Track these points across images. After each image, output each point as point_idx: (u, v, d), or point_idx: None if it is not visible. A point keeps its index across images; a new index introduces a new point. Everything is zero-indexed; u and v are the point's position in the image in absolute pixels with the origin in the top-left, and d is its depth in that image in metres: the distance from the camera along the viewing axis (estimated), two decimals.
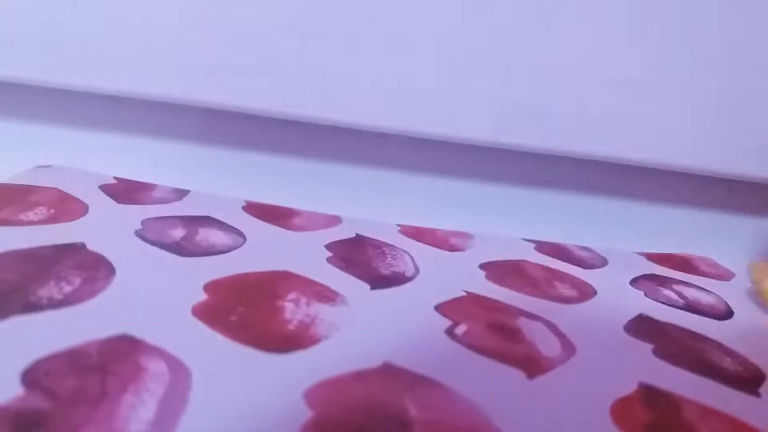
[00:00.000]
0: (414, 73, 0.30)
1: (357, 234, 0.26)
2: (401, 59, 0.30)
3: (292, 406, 0.14)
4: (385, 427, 0.14)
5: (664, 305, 0.24)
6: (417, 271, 0.23)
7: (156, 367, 0.14)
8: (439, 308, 0.20)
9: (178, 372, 0.14)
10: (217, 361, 0.15)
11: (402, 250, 0.25)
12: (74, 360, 0.14)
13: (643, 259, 0.30)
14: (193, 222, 0.24)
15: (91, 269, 0.18)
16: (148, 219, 0.23)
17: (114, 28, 0.28)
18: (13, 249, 0.18)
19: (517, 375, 0.17)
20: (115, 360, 0.14)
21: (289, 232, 0.25)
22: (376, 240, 0.25)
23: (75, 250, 0.19)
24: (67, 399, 0.13)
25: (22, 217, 0.21)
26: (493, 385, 0.16)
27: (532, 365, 0.17)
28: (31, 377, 0.13)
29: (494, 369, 0.17)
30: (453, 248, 0.27)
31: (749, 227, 0.36)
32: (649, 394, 0.17)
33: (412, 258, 0.24)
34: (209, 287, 0.18)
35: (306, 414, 0.14)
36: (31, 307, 0.16)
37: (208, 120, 0.33)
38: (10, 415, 0.12)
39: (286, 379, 0.15)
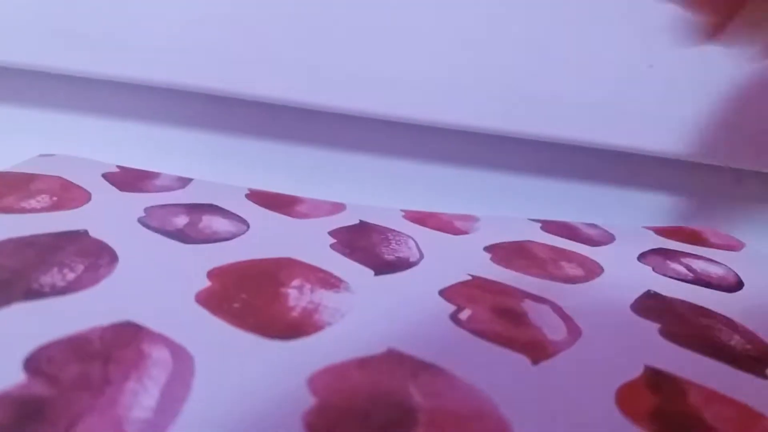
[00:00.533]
0: (417, 60, 0.30)
1: (361, 220, 0.26)
2: (404, 46, 0.30)
3: (296, 392, 0.14)
4: (390, 413, 0.14)
5: (673, 279, 0.24)
6: (421, 255, 0.23)
7: (159, 354, 0.14)
8: (444, 293, 0.20)
9: (181, 359, 0.14)
10: (221, 347, 0.15)
11: (406, 235, 0.25)
12: (76, 347, 0.14)
13: (651, 234, 0.30)
14: (197, 209, 0.23)
15: (93, 256, 0.18)
16: (151, 207, 0.23)
17: (117, 13, 0.28)
18: (15, 236, 0.18)
19: (521, 360, 0.17)
20: (118, 347, 0.14)
21: (292, 220, 0.25)
22: (379, 226, 0.25)
23: (77, 237, 0.19)
24: (70, 385, 0.13)
25: (24, 204, 0.21)
26: (497, 371, 0.16)
27: (537, 350, 0.17)
28: (33, 364, 0.13)
29: (499, 355, 0.17)
30: (458, 231, 0.26)
31: (758, 218, 0.36)
32: (655, 378, 0.17)
33: (416, 243, 0.24)
34: (213, 274, 0.18)
35: (309, 400, 0.14)
36: (34, 294, 0.16)
37: (213, 107, 0.32)
38: (13, 401, 0.12)
39: (290, 365, 0.15)
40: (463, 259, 0.23)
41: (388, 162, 0.34)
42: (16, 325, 0.14)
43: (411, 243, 0.24)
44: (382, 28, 0.29)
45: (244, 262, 0.19)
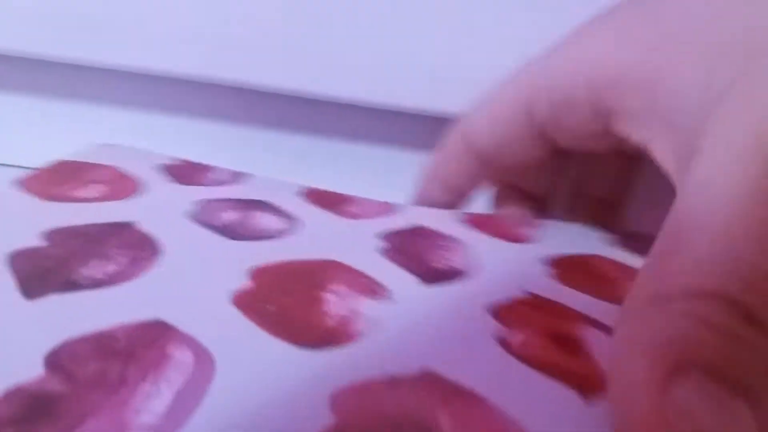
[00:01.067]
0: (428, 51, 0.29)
1: (413, 224, 0.25)
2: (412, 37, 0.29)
3: (315, 408, 0.13)
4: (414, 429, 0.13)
5: None
6: (474, 266, 0.21)
7: (181, 356, 0.14)
8: (494, 311, 0.18)
9: (203, 363, 0.14)
10: (247, 353, 0.15)
11: (460, 241, 0.23)
12: (101, 344, 0.14)
13: None
14: (247, 206, 0.23)
15: (136, 248, 0.18)
16: (202, 200, 0.23)
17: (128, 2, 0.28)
18: (65, 225, 0.18)
19: (571, 396, 0.15)
20: (142, 346, 0.14)
21: (342, 219, 0.24)
22: (432, 230, 0.24)
23: (124, 228, 0.19)
24: (85, 383, 0.13)
25: (77, 194, 0.21)
26: (541, 404, 0.15)
27: (590, 385, 0.16)
28: (54, 359, 0.13)
29: (546, 387, 0.15)
30: (517, 239, 0.25)
31: None
32: None
33: (470, 251, 0.23)
34: (254, 273, 0.18)
35: (328, 418, 0.13)
36: (71, 285, 0.16)
37: (228, 98, 0.32)
38: (25, 396, 0.12)
39: (314, 377, 0.14)
40: (519, 272, 0.22)
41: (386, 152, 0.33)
42: (47, 316, 0.15)
43: (464, 251, 0.22)
44: (379, 16, 0.28)
45: (288, 262, 0.19)
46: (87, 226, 0.19)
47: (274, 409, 0.13)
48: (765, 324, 0.12)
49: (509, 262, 0.22)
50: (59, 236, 0.18)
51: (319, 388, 0.14)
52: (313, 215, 0.24)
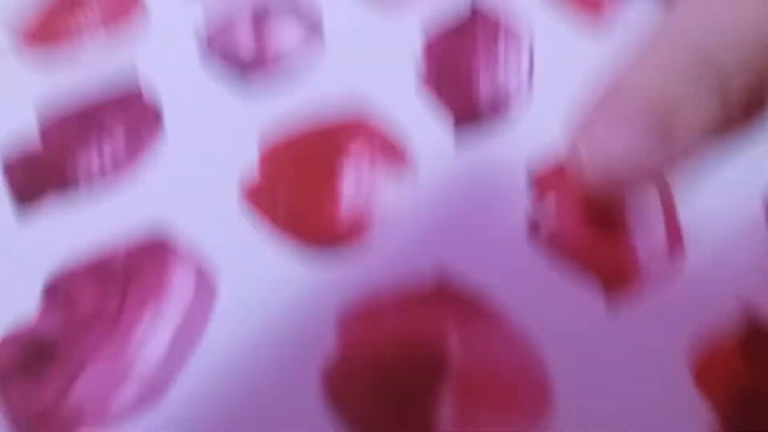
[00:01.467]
0: None
1: (473, 7, 0.20)
2: None
3: (320, 334, 0.13)
4: (419, 363, 0.13)
5: None
6: (530, 82, 0.18)
7: (180, 283, 0.14)
8: (535, 176, 0.16)
9: (204, 290, 0.14)
10: (254, 264, 0.14)
11: (525, 36, 0.19)
12: (99, 268, 0.14)
13: None
14: (265, 8, 0.19)
15: (137, 119, 0.16)
16: (211, 11, 0.19)
17: None
18: (63, 97, 0.17)
19: (595, 305, 0.14)
20: (140, 270, 0.14)
21: (382, 16, 0.20)
22: (493, 15, 0.20)
23: (124, 83, 0.17)
24: (83, 319, 0.13)
25: (72, 25, 0.18)
26: (562, 317, 0.14)
27: (620, 285, 0.14)
28: (53, 289, 0.14)
29: (571, 291, 0.14)
30: (598, 11, 0.20)
31: None
32: (750, 335, 0.14)
33: (530, 55, 0.18)
34: (264, 159, 0.16)
35: (331, 347, 0.13)
36: (67, 185, 0.15)
37: None
38: (24, 339, 0.13)
39: (321, 293, 0.14)
40: (586, 84, 0.18)
41: None
42: (44, 237, 0.14)
43: (523, 55, 0.19)
44: None
45: (302, 135, 0.17)
46: (86, 94, 0.17)
47: (277, 339, 0.13)
48: (719, 67, 0.12)
49: (575, 71, 0.18)
50: (55, 118, 0.16)
51: (326, 306, 0.14)
52: (342, 12, 0.19)
